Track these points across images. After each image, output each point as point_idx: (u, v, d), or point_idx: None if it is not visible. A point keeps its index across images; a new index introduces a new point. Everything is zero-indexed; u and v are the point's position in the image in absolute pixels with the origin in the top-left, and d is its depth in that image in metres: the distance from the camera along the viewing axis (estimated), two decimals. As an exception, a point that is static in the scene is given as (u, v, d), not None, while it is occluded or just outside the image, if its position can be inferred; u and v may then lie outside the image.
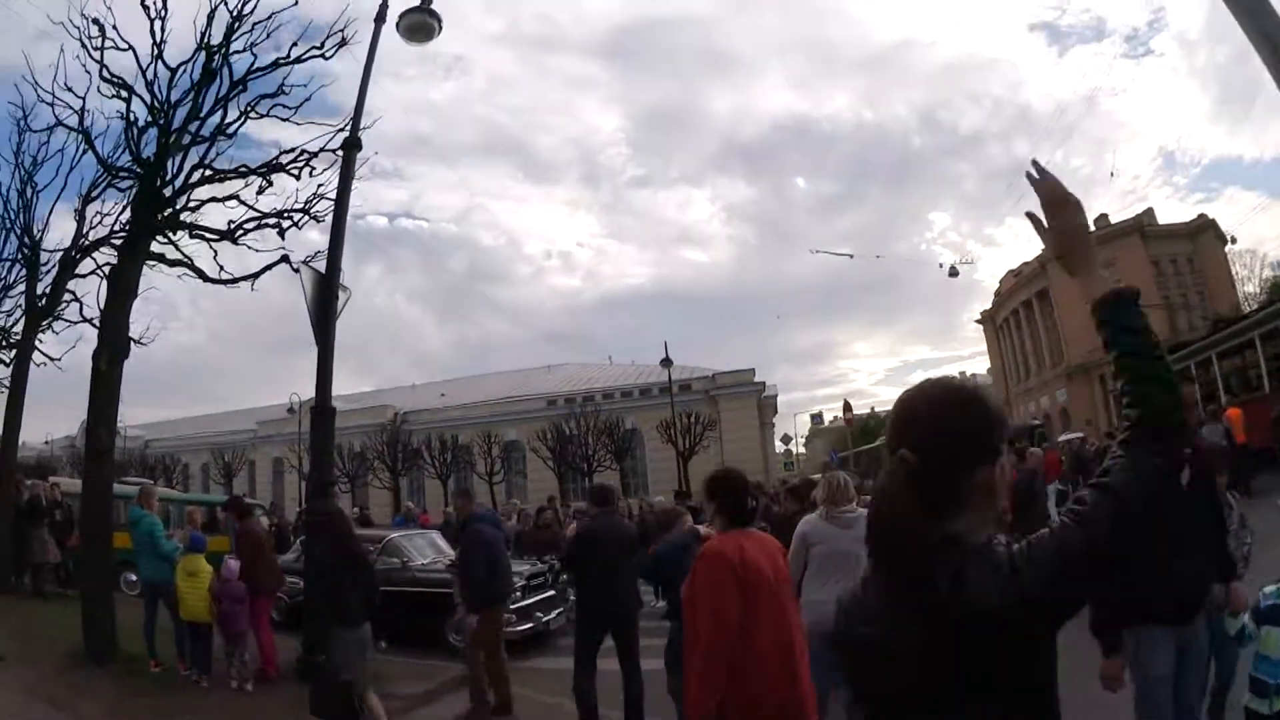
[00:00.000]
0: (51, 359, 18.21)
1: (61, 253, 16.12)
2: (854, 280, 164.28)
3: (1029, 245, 75.65)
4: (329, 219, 10.58)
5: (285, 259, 11.38)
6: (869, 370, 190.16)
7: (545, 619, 12.97)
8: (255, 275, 11.77)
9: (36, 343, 16.81)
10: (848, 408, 48.13)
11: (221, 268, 12.05)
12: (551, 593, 13.50)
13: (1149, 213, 63.41)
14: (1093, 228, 2.06)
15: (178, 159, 11.51)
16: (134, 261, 11.12)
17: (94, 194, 15.57)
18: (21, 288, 17.96)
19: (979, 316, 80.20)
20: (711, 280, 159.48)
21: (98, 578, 10.49)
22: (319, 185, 11.81)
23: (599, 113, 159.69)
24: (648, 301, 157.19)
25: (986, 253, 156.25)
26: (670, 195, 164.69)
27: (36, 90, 13.71)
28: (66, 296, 16.59)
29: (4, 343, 19.38)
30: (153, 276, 11.80)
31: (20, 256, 17.24)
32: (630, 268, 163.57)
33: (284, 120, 11.65)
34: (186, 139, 11.43)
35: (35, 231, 17.01)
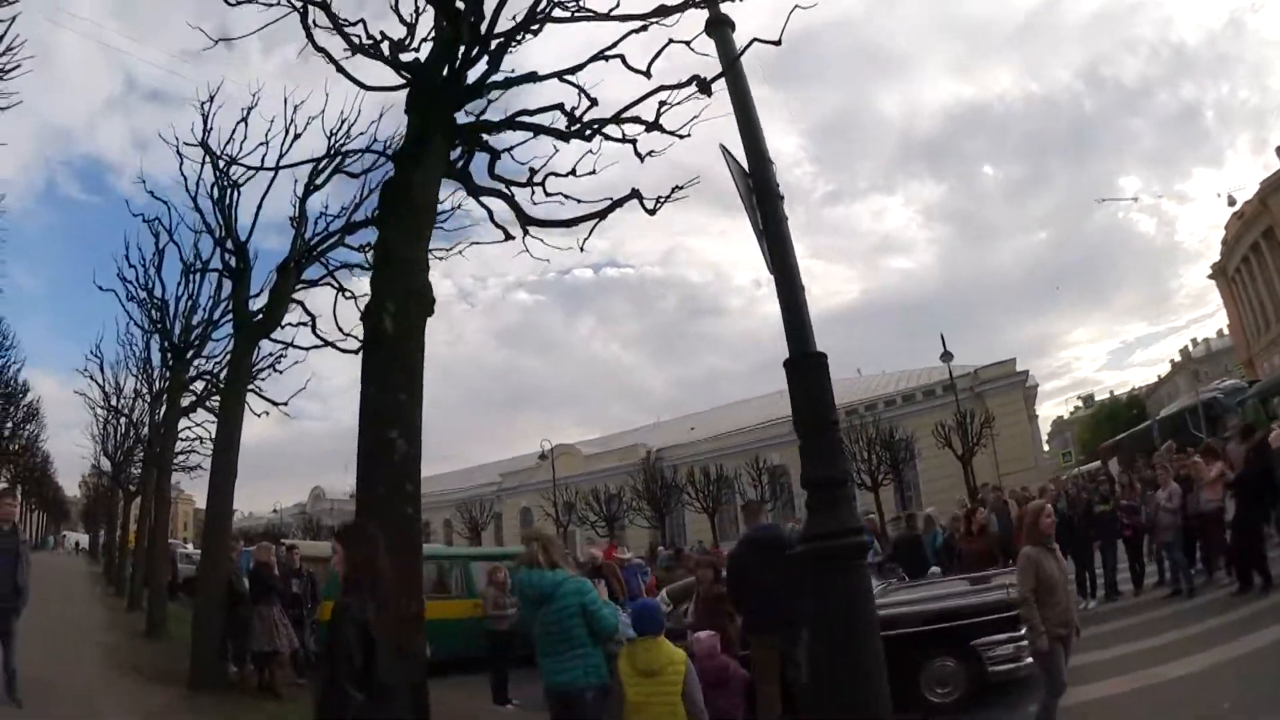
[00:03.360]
0: (276, 403, 16.17)
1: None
2: (1057, 265, 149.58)
3: (1231, 189, 64.93)
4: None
5: (636, 193, 7.80)
6: (1091, 357, 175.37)
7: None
8: (600, 215, 7.83)
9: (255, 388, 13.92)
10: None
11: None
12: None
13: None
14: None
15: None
16: (424, 168, 6.56)
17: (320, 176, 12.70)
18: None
19: (1209, 272, 69.81)
20: (919, 285, 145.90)
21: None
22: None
23: (778, 135, 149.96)
24: (859, 316, 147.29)
25: (1182, 210, 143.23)
26: (863, 206, 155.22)
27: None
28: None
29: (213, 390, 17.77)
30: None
31: (224, 265, 13.43)
32: (838, 285, 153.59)
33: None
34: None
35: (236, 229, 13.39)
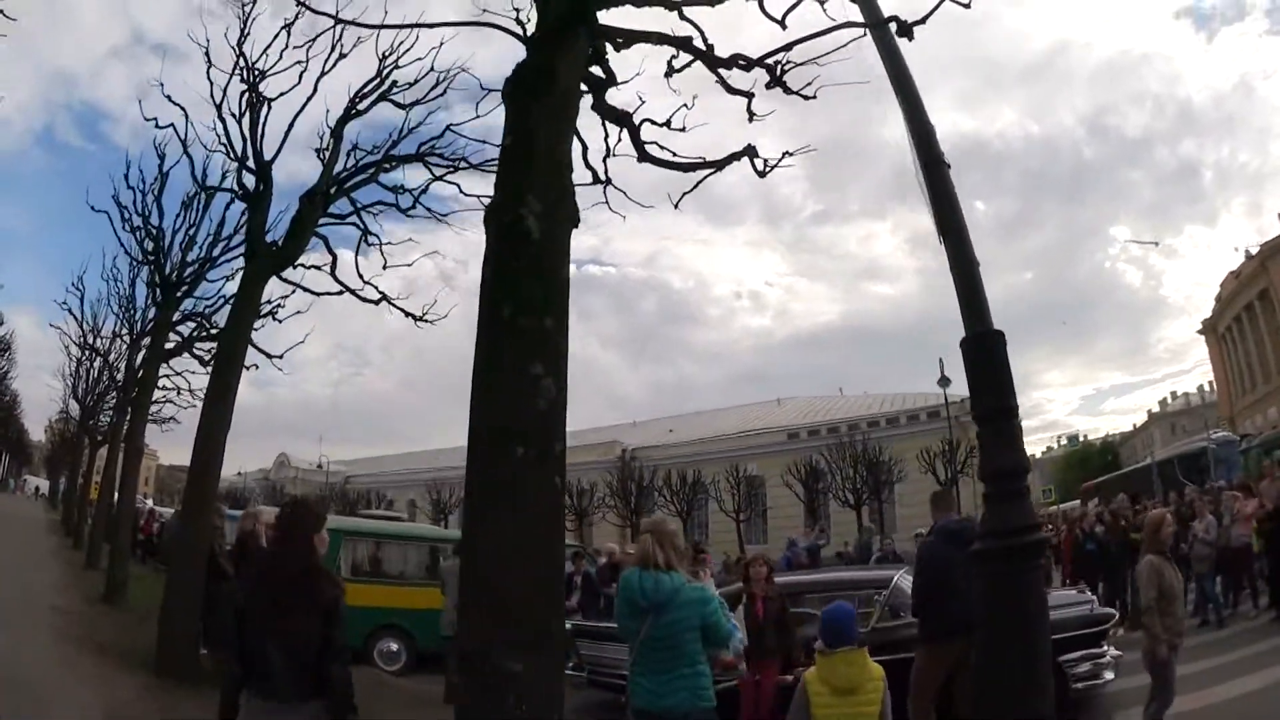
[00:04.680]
0: (270, 355, 14.49)
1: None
2: (1038, 305, 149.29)
3: (1220, 252, 66.46)
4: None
5: (751, 149, 6.75)
6: (1063, 400, 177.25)
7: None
8: (717, 165, 6.71)
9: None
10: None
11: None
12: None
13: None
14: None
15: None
16: (567, 61, 4.96)
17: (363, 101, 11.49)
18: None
19: (1199, 327, 70.29)
20: (901, 313, 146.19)
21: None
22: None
23: (772, 149, 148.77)
24: (837, 338, 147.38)
25: (1170, 265, 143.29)
26: (852, 229, 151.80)
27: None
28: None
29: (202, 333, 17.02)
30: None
31: (240, 187, 11.72)
32: (820, 305, 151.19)
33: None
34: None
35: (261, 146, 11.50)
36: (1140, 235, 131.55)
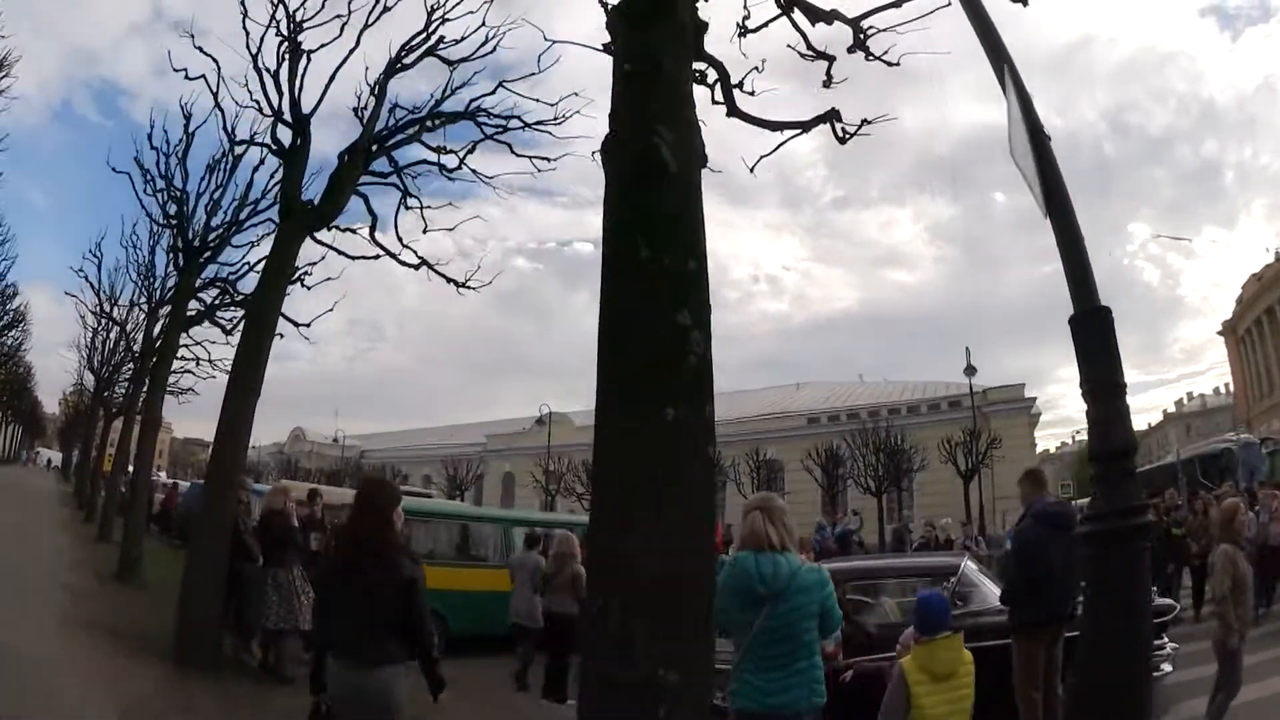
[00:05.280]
0: (296, 324, 13.37)
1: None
2: (1059, 301, 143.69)
3: (1240, 252, 66.19)
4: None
5: (835, 112, 6.42)
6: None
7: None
8: (804, 126, 6.41)
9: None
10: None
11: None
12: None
13: None
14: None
15: None
16: None
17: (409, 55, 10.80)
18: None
19: (1219, 328, 69.66)
20: (919, 302, 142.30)
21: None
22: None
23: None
24: (853, 324, 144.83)
25: (1188, 265, 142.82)
26: (872, 215, 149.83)
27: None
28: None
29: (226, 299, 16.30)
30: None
31: (274, 142, 10.88)
32: (837, 290, 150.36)
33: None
34: None
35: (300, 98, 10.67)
36: (1159, 233, 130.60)
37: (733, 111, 6.19)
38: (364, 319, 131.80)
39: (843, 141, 6.79)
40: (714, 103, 6.10)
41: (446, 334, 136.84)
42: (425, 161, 11.30)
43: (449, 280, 11.77)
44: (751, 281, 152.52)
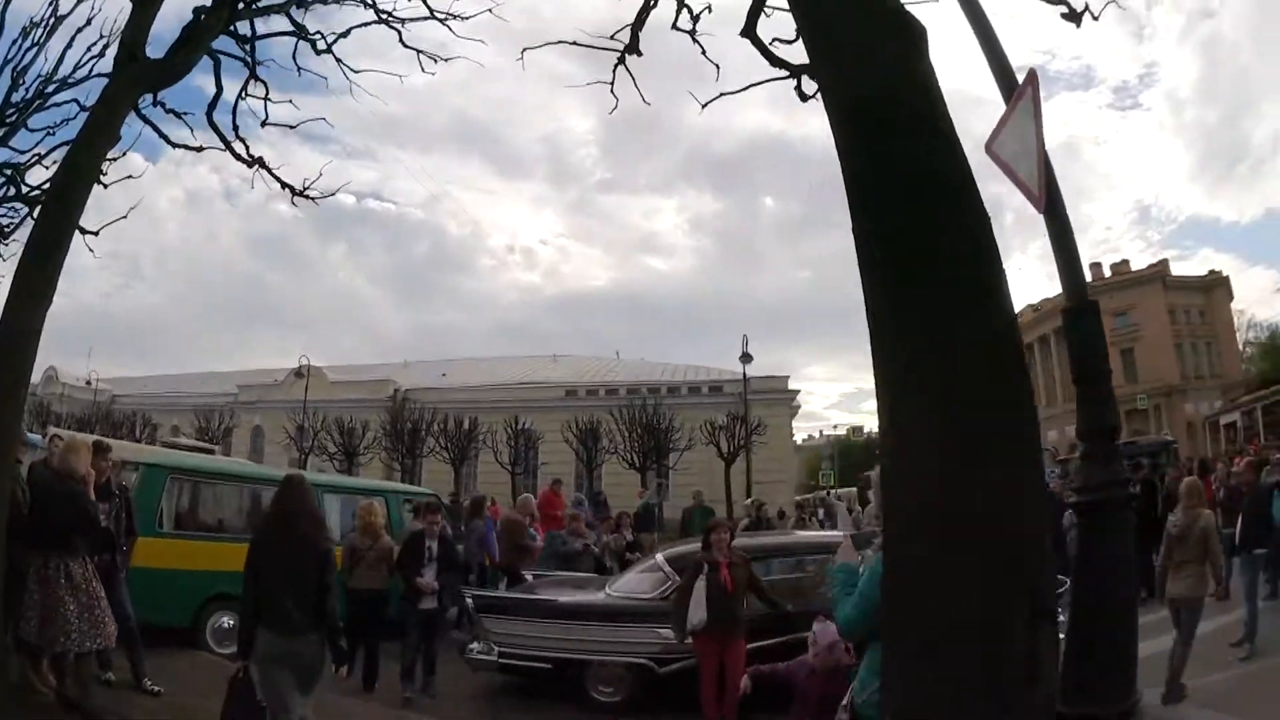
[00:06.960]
0: (84, 230, 9.40)
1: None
2: (814, 306, 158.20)
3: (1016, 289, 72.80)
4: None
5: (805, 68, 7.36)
6: (823, 394, 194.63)
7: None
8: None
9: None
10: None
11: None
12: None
13: (1164, 263, 64.09)
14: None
15: None
16: None
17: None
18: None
19: None
20: (672, 289, 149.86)
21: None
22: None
23: (576, 116, 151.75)
24: (605, 303, 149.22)
25: None
26: (637, 202, 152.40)
27: None
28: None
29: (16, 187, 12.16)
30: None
31: None
32: (591, 269, 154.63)
33: None
34: None
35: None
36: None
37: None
38: (124, 252, 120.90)
39: (805, 99, 7.81)
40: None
41: (203, 277, 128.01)
42: (287, 33, 9.41)
43: (284, 185, 10.02)
44: (506, 251, 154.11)
